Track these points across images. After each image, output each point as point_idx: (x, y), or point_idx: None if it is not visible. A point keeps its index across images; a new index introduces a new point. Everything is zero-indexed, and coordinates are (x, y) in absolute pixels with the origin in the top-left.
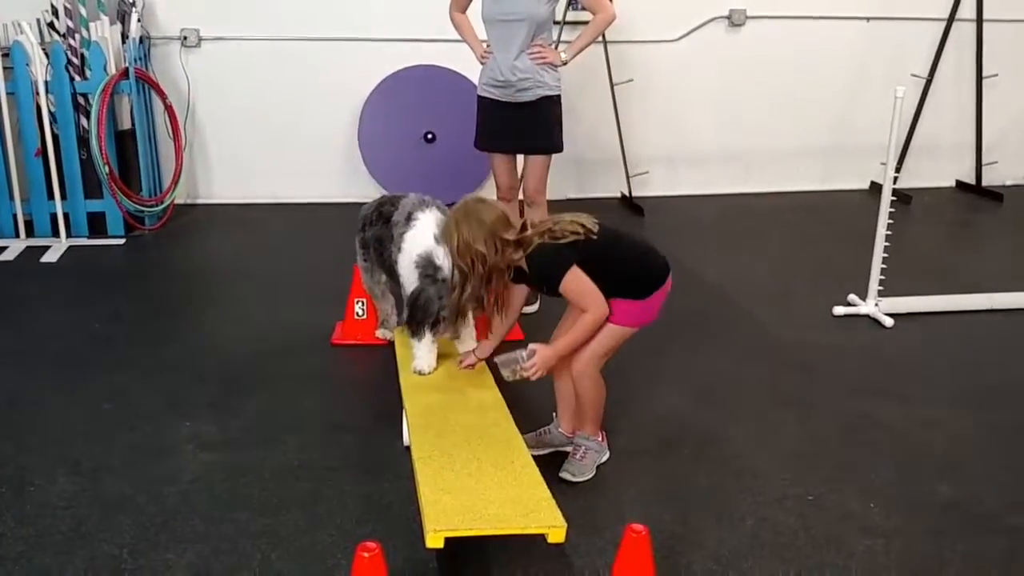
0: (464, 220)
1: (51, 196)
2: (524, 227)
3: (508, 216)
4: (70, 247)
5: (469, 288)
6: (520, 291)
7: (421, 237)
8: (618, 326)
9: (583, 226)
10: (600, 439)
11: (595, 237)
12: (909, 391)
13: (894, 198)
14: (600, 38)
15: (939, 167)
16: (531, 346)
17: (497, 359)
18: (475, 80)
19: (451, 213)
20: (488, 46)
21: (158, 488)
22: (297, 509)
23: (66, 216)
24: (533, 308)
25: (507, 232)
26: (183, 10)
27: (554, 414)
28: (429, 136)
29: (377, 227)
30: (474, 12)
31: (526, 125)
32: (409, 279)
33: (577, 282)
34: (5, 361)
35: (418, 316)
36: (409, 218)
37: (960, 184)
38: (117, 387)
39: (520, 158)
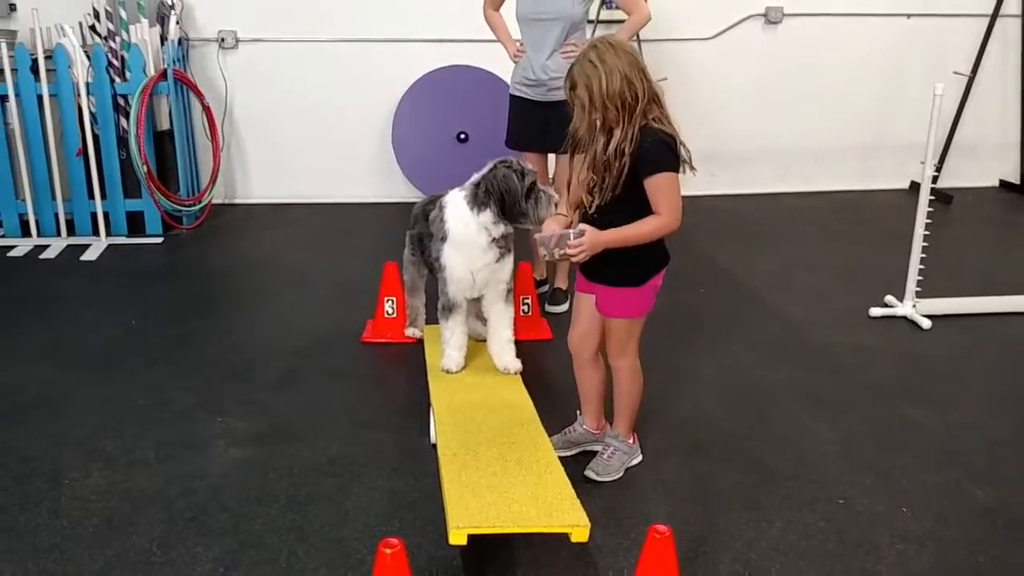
0: (609, 51)
1: (91, 196)
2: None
3: None
4: (109, 245)
5: (619, 133)
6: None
7: (458, 207)
8: (625, 319)
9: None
10: (631, 441)
11: None
12: (946, 394)
13: (933, 197)
14: (635, 36)
15: (982, 166)
16: (581, 226)
17: (536, 236)
18: (507, 80)
19: (583, 54)
20: (521, 44)
21: (188, 483)
22: (324, 505)
23: (106, 215)
24: (563, 308)
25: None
26: (221, 12)
27: (578, 412)
28: (462, 136)
29: (422, 224)
30: (508, 10)
31: (558, 124)
32: (449, 249)
33: (672, 183)
34: (44, 356)
35: (496, 189)
36: (440, 206)
37: (1004, 183)
38: (151, 383)
39: (551, 157)
